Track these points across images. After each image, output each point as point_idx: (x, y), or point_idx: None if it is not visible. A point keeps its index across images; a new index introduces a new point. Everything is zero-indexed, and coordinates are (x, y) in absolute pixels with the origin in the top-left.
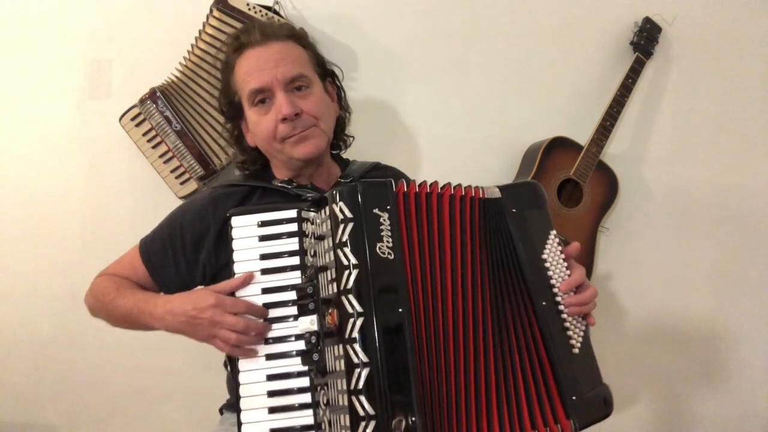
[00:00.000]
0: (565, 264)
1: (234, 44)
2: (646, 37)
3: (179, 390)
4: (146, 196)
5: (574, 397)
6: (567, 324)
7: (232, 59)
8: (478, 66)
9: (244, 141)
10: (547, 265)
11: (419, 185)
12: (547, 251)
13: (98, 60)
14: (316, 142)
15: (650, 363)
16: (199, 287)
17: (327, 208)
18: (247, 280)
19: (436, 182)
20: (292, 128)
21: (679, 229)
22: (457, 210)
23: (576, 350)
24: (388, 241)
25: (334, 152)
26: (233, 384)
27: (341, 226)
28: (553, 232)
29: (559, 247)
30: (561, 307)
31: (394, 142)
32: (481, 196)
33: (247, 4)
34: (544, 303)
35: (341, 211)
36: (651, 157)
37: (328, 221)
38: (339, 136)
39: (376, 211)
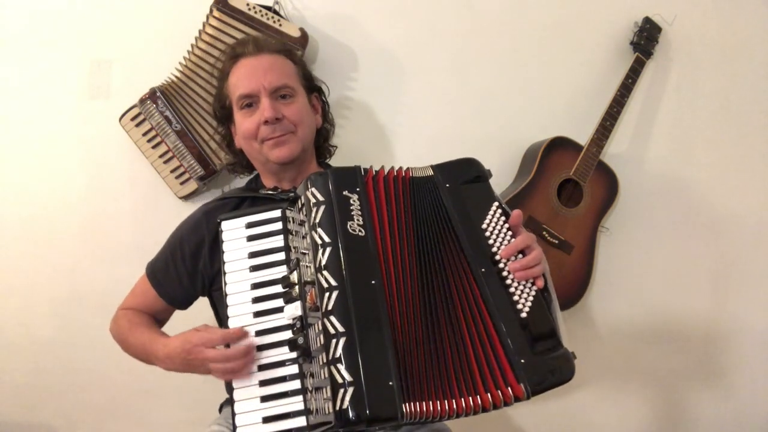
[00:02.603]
0: (510, 233)
1: (230, 54)
2: (646, 37)
3: (179, 390)
4: (146, 196)
5: (523, 360)
6: (512, 289)
7: (227, 67)
8: (477, 66)
9: (233, 144)
10: (488, 234)
11: (387, 171)
12: (487, 222)
13: (98, 60)
14: (290, 147)
15: (650, 363)
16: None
17: (302, 197)
18: (239, 333)
19: (400, 167)
20: (271, 131)
21: (679, 229)
22: (407, 191)
23: (524, 314)
24: (358, 220)
25: (320, 160)
26: None
27: (314, 209)
28: (496, 203)
29: (503, 218)
30: (505, 273)
31: (393, 142)
32: (411, 175)
33: (247, 5)
34: (483, 270)
35: (313, 195)
36: (651, 157)
37: (304, 209)
38: (323, 146)
39: (345, 193)
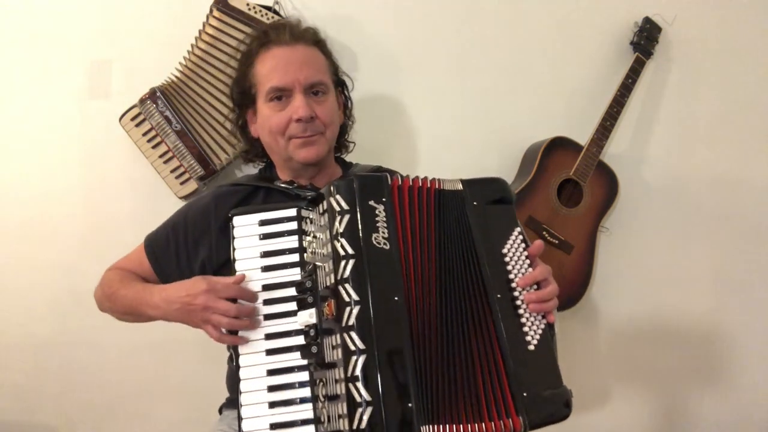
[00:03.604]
0: (528, 261)
1: (261, 38)
2: (646, 37)
3: (179, 390)
4: (146, 196)
5: (525, 394)
6: (523, 320)
7: (255, 52)
8: (478, 66)
9: (248, 130)
10: (507, 259)
11: (412, 180)
12: (508, 246)
13: (98, 60)
14: (318, 148)
15: (650, 363)
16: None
17: (324, 202)
18: (241, 279)
19: (426, 177)
20: (302, 130)
21: (679, 229)
22: (432, 203)
23: (531, 347)
24: (384, 233)
25: (337, 155)
26: (234, 380)
27: (338, 218)
28: (518, 229)
29: (523, 245)
30: (518, 303)
31: (393, 142)
32: (440, 187)
33: (247, 4)
34: (498, 296)
35: (338, 203)
36: (651, 157)
37: (326, 215)
38: (341, 141)
39: (371, 203)
